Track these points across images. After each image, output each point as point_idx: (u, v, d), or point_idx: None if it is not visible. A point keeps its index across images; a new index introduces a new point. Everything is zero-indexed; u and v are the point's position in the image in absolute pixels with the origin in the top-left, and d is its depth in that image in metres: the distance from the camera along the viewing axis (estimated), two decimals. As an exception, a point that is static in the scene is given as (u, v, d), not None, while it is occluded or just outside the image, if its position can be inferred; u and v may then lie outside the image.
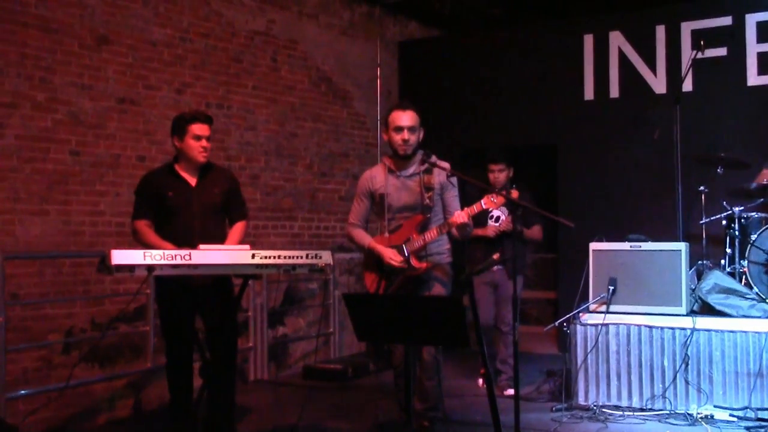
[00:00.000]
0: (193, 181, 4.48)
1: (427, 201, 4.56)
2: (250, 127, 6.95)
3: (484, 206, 4.26)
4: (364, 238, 4.73)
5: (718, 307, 5.09)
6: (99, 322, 5.61)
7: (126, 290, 5.60)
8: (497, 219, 5.90)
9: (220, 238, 4.44)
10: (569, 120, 7.78)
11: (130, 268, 3.66)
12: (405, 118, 4.53)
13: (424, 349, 4.61)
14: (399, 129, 4.53)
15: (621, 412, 5.05)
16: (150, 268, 3.68)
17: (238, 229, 4.56)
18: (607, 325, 5.23)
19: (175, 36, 6.33)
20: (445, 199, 4.64)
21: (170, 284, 4.19)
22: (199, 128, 4.41)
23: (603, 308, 5.25)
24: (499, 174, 5.95)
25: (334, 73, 7.85)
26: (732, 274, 5.59)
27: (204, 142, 4.43)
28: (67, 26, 5.59)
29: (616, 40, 7.58)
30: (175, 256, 3.73)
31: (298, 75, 7.45)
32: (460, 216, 4.34)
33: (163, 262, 3.69)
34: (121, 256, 3.63)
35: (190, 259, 3.76)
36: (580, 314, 5.33)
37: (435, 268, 4.63)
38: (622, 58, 7.54)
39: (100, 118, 5.78)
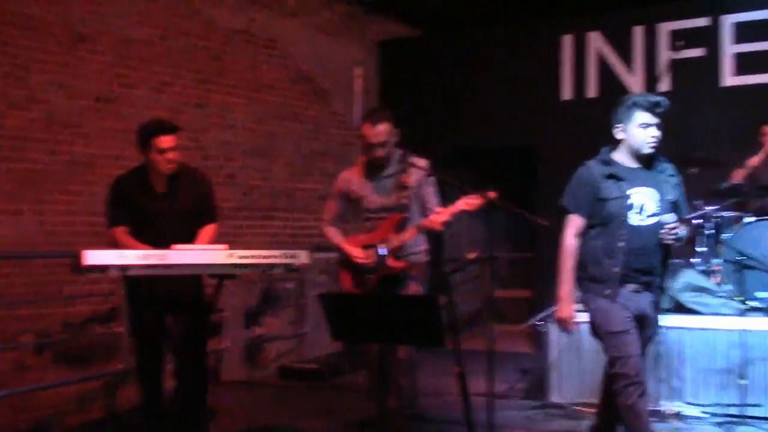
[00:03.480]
0: (162, 189, 4.41)
1: (404, 200, 4.57)
2: (229, 126, 6.94)
3: (461, 208, 4.26)
4: (335, 236, 4.76)
5: (689, 305, 5.14)
6: (72, 323, 5.58)
7: (101, 291, 5.58)
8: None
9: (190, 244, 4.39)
10: (548, 120, 7.83)
11: (103, 268, 3.65)
12: (375, 135, 4.48)
13: (399, 347, 4.62)
14: (371, 146, 4.53)
15: (594, 410, 5.08)
16: (124, 268, 3.67)
17: (207, 231, 4.51)
18: (581, 323, 5.26)
19: (154, 34, 6.31)
20: (423, 196, 4.65)
21: (140, 284, 4.17)
22: (162, 141, 4.27)
23: (577, 307, 5.27)
24: None
25: (313, 72, 7.85)
26: (704, 273, 5.65)
27: (169, 155, 4.29)
28: (45, 24, 5.56)
29: (595, 40, 7.64)
30: (150, 256, 3.72)
31: (277, 74, 7.44)
32: (440, 216, 4.35)
33: (137, 262, 3.68)
34: (93, 257, 3.61)
35: (165, 259, 3.75)
36: (555, 313, 5.35)
37: (412, 267, 4.65)
38: (600, 58, 7.60)
39: (77, 116, 5.76)
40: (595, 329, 3.75)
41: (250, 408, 5.43)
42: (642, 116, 3.67)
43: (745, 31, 7.05)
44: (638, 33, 7.48)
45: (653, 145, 3.69)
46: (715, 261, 5.59)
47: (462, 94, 8.25)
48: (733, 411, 4.73)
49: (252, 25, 7.19)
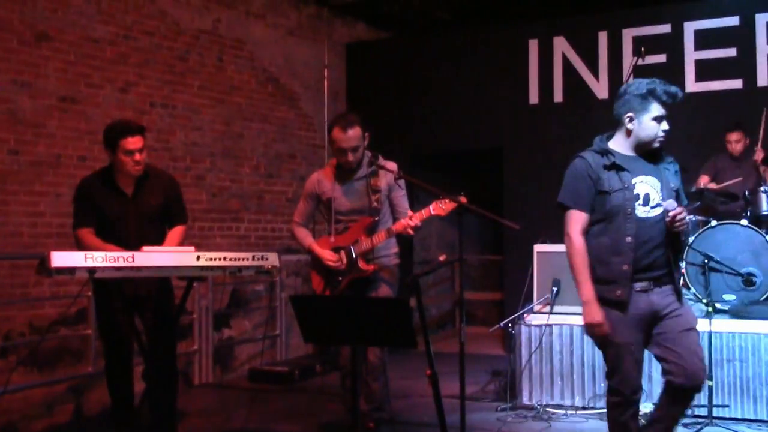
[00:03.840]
0: (129, 191, 4.34)
1: (375, 204, 4.57)
2: (196, 127, 6.87)
3: (432, 212, 4.27)
4: (306, 238, 4.74)
5: (657, 308, 5.21)
6: (38, 326, 5.48)
7: (66, 293, 5.48)
8: None
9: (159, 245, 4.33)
10: (515, 123, 7.89)
11: (71, 270, 3.59)
12: (346, 140, 4.47)
13: (370, 350, 4.62)
14: (342, 151, 4.52)
15: (564, 411, 5.14)
16: (91, 270, 3.61)
17: (176, 233, 4.46)
18: (550, 325, 5.32)
19: (118, 34, 6.23)
20: (393, 200, 4.65)
21: (108, 285, 4.11)
22: (130, 142, 4.21)
23: (547, 309, 5.33)
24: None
25: (281, 74, 7.81)
26: (671, 275, 5.74)
27: (137, 156, 4.23)
28: (6, 22, 5.45)
29: (560, 45, 7.72)
30: (118, 258, 3.67)
31: (244, 75, 7.39)
32: (411, 220, 4.35)
33: (105, 264, 3.62)
34: (61, 258, 3.56)
35: (134, 261, 3.70)
36: (525, 315, 5.40)
37: (382, 270, 4.65)
38: (566, 63, 7.68)
39: (40, 116, 5.66)
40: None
41: (220, 411, 5.37)
42: (658, 108, 3.34)
43: (705, 39, 7.18)
44: (603, 38, 7.58)
45: (663, 139, 3.41)
46: (681, 264, 5.67)
47: (430, 97, 8.28)
48: (700, 412, 4.81)
49: (218, 26, 7.13)
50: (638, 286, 3.34)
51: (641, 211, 3.35)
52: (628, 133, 3.41)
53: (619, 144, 3.45)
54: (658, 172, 3.43)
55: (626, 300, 3.32)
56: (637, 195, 3.36)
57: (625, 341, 3.35)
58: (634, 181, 3.37)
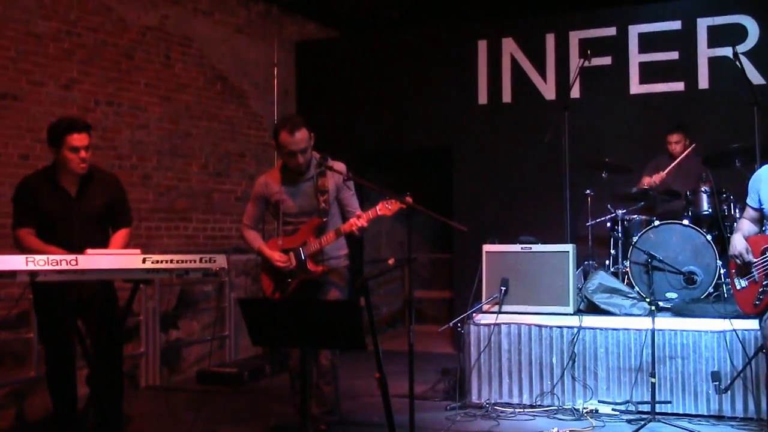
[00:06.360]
0: (72, 190, 4.26)
1: (323, 205, 4.57)
2: (142, 125, 6.76)
3: (379, 212, 4.29)
4: (255, 240, 4.73)
5: (602, 306, 5.31)
6: (-23, 329, 5.33)
7: (8, 295, 5.33)
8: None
9: (102, 247, 4.25)
10: (464, 123, 7.95)
11: (12, 274, 3.50)
12: (294, 143, 4.46)
13: (321, 353, 4.61)
14: (291, 153, 4.50)
15: (512, 409, 5.19)
16: (33, 273, 3.52)
17: (120, 236, 4.39)
18: (499, 324, 5.37)
19: (61, 29, 6.08)
20: (342, 200, 4.66)
21: (50, 289, 4.01)
22: (75, 139, 4.15)
23: (495, 308, 5.38)
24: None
25: (230, 72, 7.72)
26: (615, 274, 5.86)
27: (82, 153, 4.17)
28: (-57, 16, 5.29)
29: (509, 46, 7.79)
30: (60, 261, 3.58)
31: (192, 73, 7.29)
32: (359, 221, 4.35)
33: (47, 267, 3.54)
34: (1, 262, 3.46)
35: (77, 264, 3.62)
36: (474, 314, 5.45)
37: (331, 272, 4.65)
38: (514, 64, 7.76)
39: (-21, 114, 5.50)
40: None
41: (167, 414, 5.29)
42: None
43: (649, 42, 7.33)
44: (550, 40, 7.67)
45: None
46: (625, 263, 5.80)
47: (380, 96, 8.28)
48: (644, 408, 4.91)
49: (165, 23, 7.02)
50: None
51: None
52: None
53: None
54: None
55: None
56: None
57: None
58: None
